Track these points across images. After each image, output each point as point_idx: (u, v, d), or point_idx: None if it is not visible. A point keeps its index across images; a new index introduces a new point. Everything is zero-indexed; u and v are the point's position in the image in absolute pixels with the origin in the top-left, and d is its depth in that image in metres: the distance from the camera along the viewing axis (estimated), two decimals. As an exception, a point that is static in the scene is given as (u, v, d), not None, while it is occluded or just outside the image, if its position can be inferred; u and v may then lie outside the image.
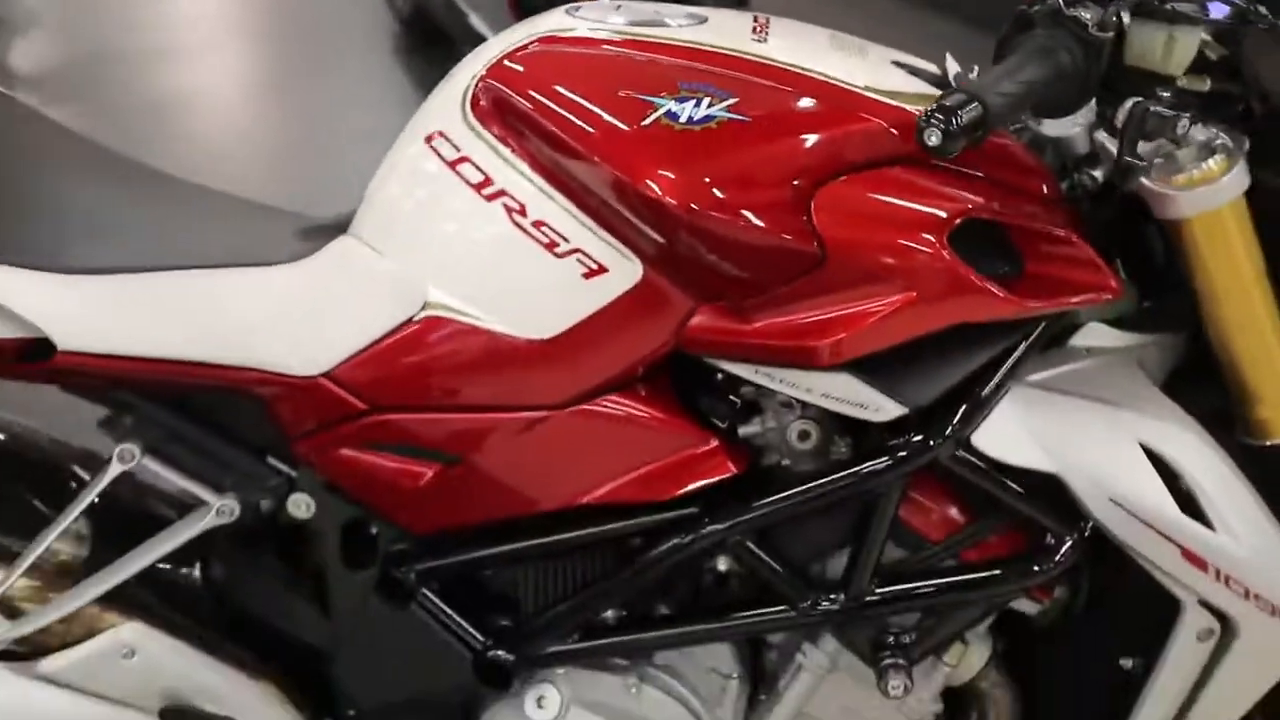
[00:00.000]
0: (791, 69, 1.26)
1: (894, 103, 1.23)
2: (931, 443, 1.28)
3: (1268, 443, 1.30)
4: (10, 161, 1.45)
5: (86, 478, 1.54)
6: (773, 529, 1.37)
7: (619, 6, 1.36)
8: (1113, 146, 1.20)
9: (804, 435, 1.32)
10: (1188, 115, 1.14)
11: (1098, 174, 1.26)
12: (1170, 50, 1.14)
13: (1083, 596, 1.44)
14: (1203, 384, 1.34)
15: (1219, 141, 1.18)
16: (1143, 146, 1.19)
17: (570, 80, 1.26)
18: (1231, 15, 1.17)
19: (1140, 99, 1.16)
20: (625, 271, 1.26)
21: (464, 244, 1.31)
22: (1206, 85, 1.17)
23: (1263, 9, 1.16)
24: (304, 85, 3.92)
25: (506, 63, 1.30)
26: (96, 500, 1.45)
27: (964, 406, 1.28)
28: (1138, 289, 1.33)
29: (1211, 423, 1.33)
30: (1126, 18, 1.16)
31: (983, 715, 1.49)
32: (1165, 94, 1.16)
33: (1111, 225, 1.31)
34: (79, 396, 1.51)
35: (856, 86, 1.24)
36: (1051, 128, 1.27)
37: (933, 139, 1.06)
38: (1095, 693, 1.45)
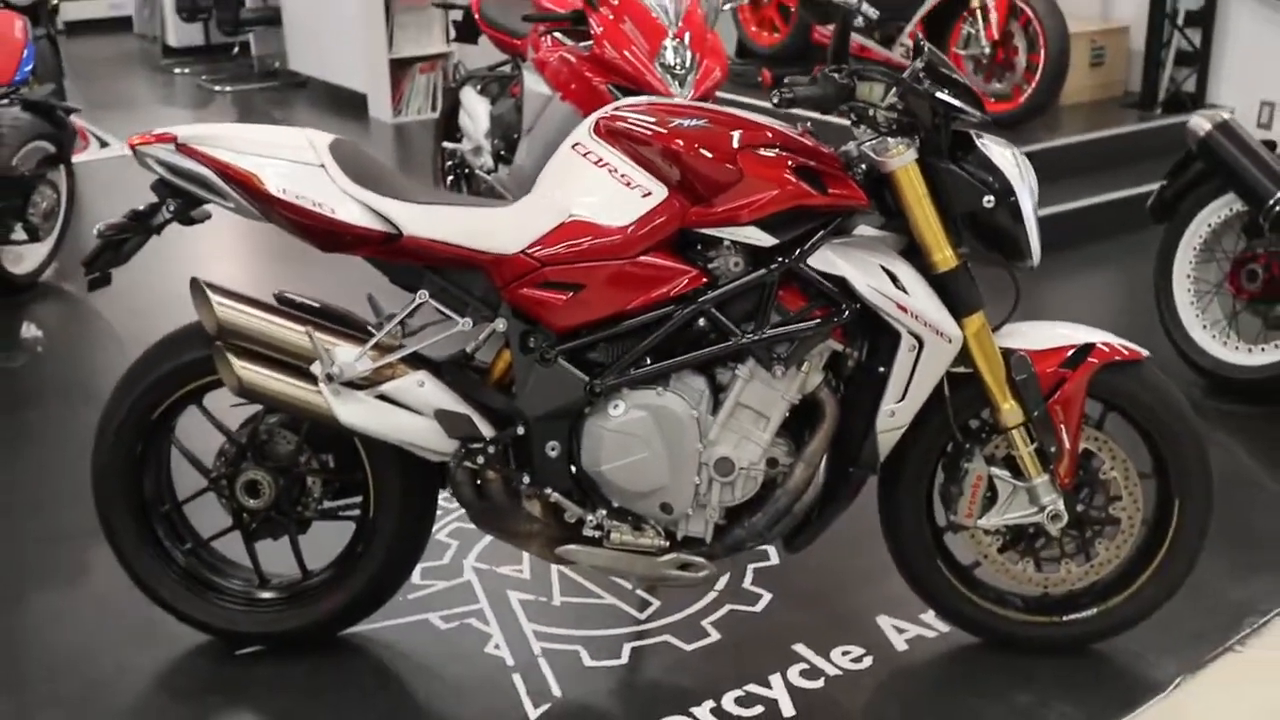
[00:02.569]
0: (736, 115, 2.71)
1: (778, 127, 2.68)
2: (788, 260, 2.61)
3: (936, 273, 2.69)
4: (369, 163, 2.79)
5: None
6: (722, 305, 2.60)
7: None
8: (870, 152, 2.68)
9: (736, 264, 2.62)
10: (877, 108, 2.58)
11: (863, 167, 2.72)
12: (872, 92, 2.59)
13: (864, 354, 2.75)
14: (911, 256, 2.73)
15: (905, 140, 2.63)
16: (874, 145, 2.64)
17: (637, 117, 2.68)
18: (897, 82, 2.57)
19: (858, 105, 2.63)
20: (659, 192, 2.62)
21: (589, 186, 2.66)
22: (895, 114, 2.61)
23: (916, 84, 2.60)
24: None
25: (608, 114, 2.73)
26: (406, 317, 2.75)
27: (804, 246, 2.60)
28: (882, 214, 2.73)
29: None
30: (856, 79, 2.62)
31: (821, 413, 2.68)
32: (872, 110, 2.62)
33: (870, 190, 2.70)
34: (386, 274, 2.80)
35: (763, 121, 2.73)
36: (842, 148, 2.84)
37: (775, 99, 2.53)
38: (867, 391, 2.68)
